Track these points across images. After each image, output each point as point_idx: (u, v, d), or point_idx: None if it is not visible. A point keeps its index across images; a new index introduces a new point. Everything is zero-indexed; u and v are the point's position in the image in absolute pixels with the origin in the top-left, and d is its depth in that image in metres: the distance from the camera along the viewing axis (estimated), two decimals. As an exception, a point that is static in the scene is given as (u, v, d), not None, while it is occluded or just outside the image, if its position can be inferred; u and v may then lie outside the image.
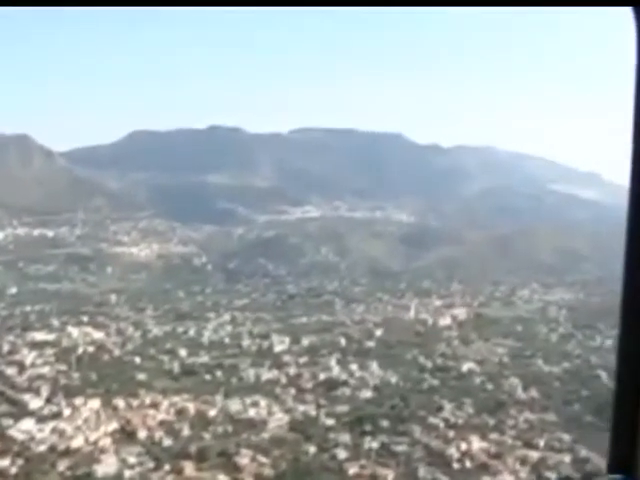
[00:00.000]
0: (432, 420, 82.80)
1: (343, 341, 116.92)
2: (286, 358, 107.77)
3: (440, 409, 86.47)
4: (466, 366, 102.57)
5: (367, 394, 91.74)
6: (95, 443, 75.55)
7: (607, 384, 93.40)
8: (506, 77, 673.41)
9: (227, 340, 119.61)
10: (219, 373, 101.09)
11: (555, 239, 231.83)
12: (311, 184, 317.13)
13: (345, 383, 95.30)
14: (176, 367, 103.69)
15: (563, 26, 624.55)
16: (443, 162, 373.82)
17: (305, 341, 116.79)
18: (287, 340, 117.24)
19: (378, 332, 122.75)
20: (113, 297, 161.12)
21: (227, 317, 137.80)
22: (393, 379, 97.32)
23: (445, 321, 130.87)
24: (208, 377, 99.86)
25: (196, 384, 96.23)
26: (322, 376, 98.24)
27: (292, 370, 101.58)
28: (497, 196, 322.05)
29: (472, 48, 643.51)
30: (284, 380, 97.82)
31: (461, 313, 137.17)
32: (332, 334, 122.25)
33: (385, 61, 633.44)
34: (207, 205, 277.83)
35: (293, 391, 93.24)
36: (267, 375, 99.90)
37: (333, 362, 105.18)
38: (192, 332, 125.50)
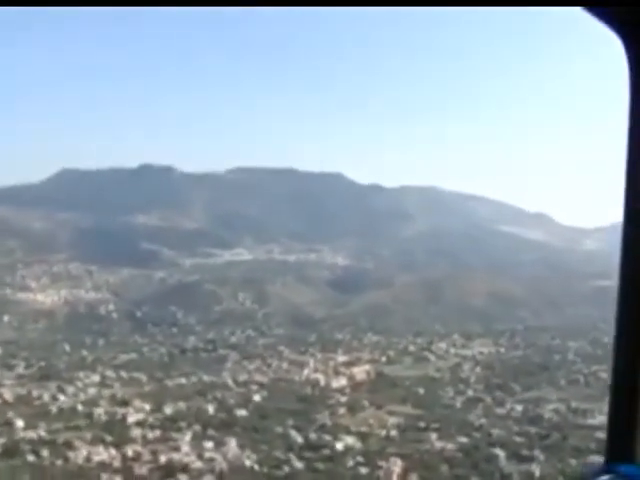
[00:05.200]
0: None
1: (212, 409, 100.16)
2: (135, 432, 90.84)
3: (290, 505, 69.82)
4: (343, 442, 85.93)
5: (208, 484, 74.81)
6: None
7: (503, 467, 77.93)
8: (454, 114, 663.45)
9: (80, 407, 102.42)
10: (46, 453, 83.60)
11: (492, 284, 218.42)
12: (245, 226, 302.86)
13: (186, 468, 78.06)
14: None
15: (516, 63, 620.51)
16: (384, 203, 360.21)
17: (168, 409, 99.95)
18: (147, 408, 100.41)
19: (257, 397, 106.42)
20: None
21: (96, 378, 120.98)
22: (249, 462, 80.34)
23: (339, 382, 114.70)
24: (31, 458, 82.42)
25: (10, 468, 78.73)
26: (164, 458, 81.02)
27: (133, 449, 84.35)
28: (437, 238, 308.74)
29: (416, 82, 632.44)
30: (117, 463, 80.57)
31: (361, 372, 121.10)
32: (204, 399, 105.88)
33: (328, 97, 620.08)
34: (130, 247, 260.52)
35: (119, 479, 75.88)
36: (101, 455, 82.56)
37: (187, 438, 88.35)
38: (47, 396, 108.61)
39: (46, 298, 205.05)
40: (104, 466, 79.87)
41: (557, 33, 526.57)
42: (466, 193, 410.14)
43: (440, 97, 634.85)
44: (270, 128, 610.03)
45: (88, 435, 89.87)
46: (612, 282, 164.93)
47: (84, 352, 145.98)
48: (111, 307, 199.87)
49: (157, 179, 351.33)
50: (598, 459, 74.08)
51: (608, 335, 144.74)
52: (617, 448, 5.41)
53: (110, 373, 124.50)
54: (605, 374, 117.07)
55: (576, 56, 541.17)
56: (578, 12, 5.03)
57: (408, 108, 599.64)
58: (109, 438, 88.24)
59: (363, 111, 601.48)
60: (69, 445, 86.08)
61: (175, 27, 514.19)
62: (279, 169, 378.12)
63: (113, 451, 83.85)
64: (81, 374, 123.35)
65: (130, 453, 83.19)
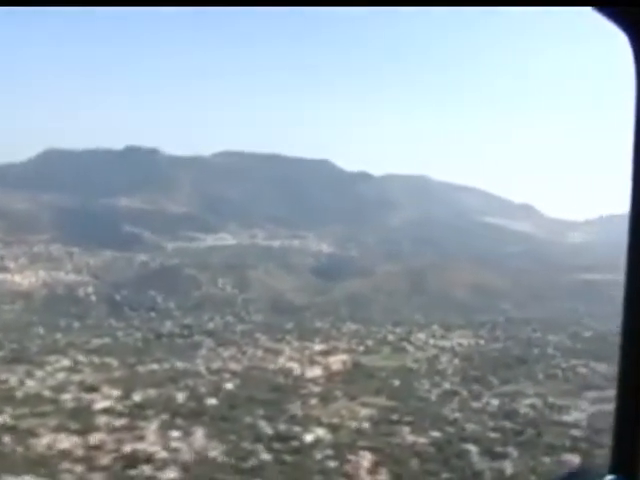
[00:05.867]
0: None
1: (181, 397, 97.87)
2: (101, 419, 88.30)
3: (254, 500, 67.64)
4: (313, 434, 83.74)
5: (170, 475, 72.37)
6: None
7: (475, 462, 76.03)
8: (446, 103, 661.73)
9: (47, 393, 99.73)
10: (7, 439, 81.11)
11: (476, 275, 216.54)
12: (230, 210, 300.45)
13: (150, 458, 75.74)
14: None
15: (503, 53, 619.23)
16: (372, 190, 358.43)
17: (137, 396, 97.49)
18: (116, 394, 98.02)
19: (229, 385, 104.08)
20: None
21: (67, 362, 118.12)
22: (215, 452, 78.01)
23: (314, 372, 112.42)
24: (-9, 445, 79.90)
25: (-33, 455, 76.35)
26: (128, 447, 78.65)
27: (98, 437, 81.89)
28: (424, 227, 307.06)
29: (409, 68, 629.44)
30: (80, 452, 78.02)
31: (337, 362, 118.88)
32: (175, 386, 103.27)
33: (316, 81, 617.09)
34: (113, 230, 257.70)
35: (80, 469, 73.50)
36: (64, 443, 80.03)
37: (154, 426, 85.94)
38: (14, 381, 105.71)
39: (24, 279, 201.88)
40: (66, 454, 77.57)
41: (557, 30, 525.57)
42: (455, 183, 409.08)
43: (435, 87, 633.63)
44: (257, 113, 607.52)
45: (53, 422, 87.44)
46: (598, 276, 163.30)
47: (58, 335, 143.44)
48: (90, 290, 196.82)
49: (142, 161, 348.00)
50: (571, 457, 72.42)
51: (590, 329, 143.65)
52: (623, 445, 5.41)
53: (82, 358, 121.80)
54: (584, 369, 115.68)
55: (572, 53, 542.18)
56: (582, 10, 5.14)
57: (404, 97, 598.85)
58: (74, 425, 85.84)
59: (354, 98, 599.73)
60: (32, 432, 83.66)
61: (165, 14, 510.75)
62: (266, 154, 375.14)
63: (76, 439, 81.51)
64: (52, 358, 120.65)
65: (93, 441, 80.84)
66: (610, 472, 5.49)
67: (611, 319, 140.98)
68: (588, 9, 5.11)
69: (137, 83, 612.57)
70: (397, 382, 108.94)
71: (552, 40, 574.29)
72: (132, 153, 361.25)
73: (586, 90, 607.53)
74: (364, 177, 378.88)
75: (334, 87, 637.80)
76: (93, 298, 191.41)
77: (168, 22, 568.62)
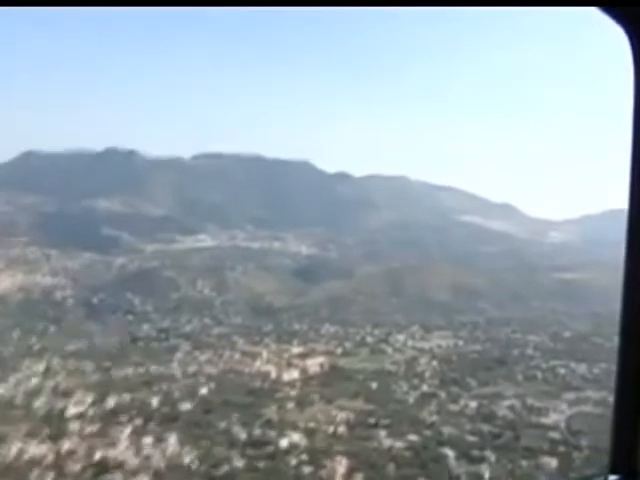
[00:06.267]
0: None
1: (155, 402, 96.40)
2: (73, 425, 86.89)
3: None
4: (289, 439, 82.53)
5: (141, 483, 71.09)
6: None
7: (452, 467, 74.96)
8: (429, 102, 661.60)
9: (19, 399, 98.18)
10: (-25, 447, 79.52)
11: (455, 275, 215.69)
12: (210, 212, 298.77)
13: (121, 465, 74.34)
14: None
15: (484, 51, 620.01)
16: (352, 192, 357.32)
17: (111, 401, 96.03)
18: (89, 400, 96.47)
19: (204, 390, 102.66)
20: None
21: (41, 367, 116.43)
22: (187, 458, 76.76)
23: (291, 375, 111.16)
24: (-41, 453, 78.22)
25: None
26: (99, 454, 77.23)
27: (69, 444, 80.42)
28: (404, 228, 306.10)
29: (393, 66, 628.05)
30: (50, 458, 76.70)
31: (315, 364, 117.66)
32: (149, 391, 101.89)
33: (297, 81, 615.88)
34: (92, 232, 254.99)
35: (50, 477, 72.09)
36: (34, 450, 78.61)
37: (127, 432, 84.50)
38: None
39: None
40: (35, 462, 76.05)
41: (553, 29, 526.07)
42: (436, 184, 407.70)
43: (421, 86, 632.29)
44: (236, 114, 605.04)
45: (24, 428, 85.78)
46: (578, 275, 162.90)
47: (33, 339, 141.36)
48: (67, 293, 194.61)
49: (121, 163, 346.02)
50: (550, 461, 71.49)
51: (570, 330, 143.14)
52: (622, 445, 5.34)
53: (56, 362, 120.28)
54: (564, 370, 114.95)
55: (564, 52, 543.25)
56: (579, 8, 5.29)
57: (387, 97, 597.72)
58: (44, 432, 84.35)
59: (335, 99, 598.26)
60: (1, 439, 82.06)
61: (143, 13, 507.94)
62: (245, 156, 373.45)
63: (47, 446, 79.99)
64: (26, 363, 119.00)
65: (64, 449, 79.38)
66: (610, 472, 5.41)
67: (591, 319, 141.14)
68: (587, 8, 5.08)
69: (114, 84, 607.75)
70: (375, 385, 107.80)
71: (546, 39, 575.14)
72: (110, 155, 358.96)
73: (576, 90, 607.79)
74: (344, 178, 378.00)
75: (315, 86, 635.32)
76: (70, 302, 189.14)
77: (146, 21, 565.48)
